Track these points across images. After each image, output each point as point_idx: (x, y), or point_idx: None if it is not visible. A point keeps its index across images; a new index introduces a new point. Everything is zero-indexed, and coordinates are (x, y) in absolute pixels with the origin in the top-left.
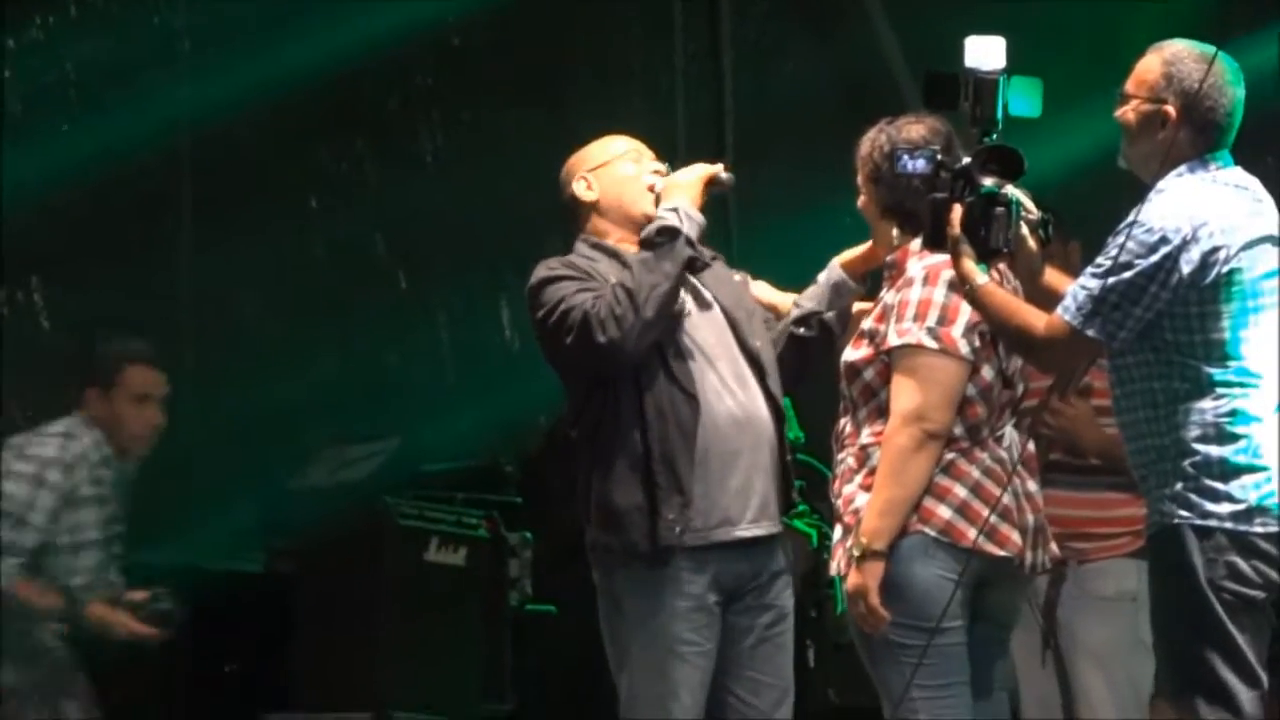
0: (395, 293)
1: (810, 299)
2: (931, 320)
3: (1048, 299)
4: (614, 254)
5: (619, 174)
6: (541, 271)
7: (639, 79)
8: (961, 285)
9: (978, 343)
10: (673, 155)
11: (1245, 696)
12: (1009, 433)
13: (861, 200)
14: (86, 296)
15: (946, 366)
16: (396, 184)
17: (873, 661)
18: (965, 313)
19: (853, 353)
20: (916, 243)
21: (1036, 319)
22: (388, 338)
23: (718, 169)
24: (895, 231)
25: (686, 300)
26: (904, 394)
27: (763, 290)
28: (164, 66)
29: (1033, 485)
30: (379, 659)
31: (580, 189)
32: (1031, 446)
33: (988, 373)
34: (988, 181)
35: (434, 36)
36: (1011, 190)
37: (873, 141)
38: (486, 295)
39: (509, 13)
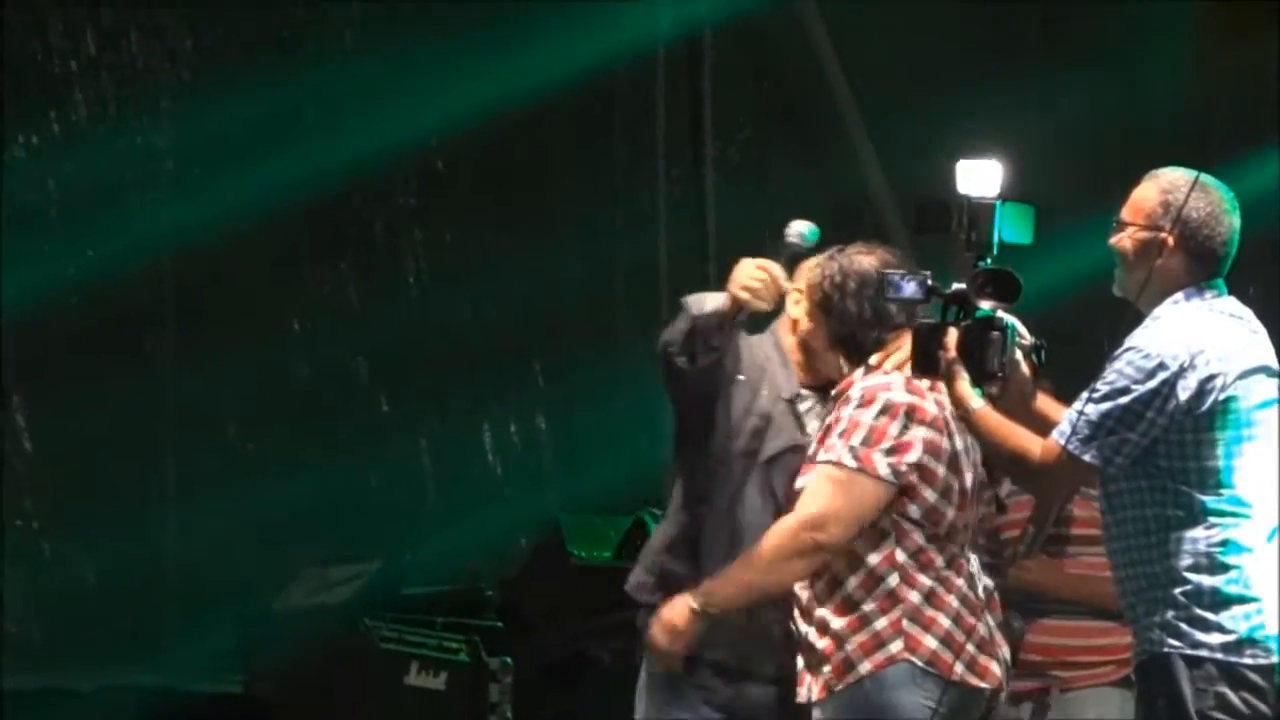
0: (377, 414)
1: None
2: (856, 439)
3: (1039, 425)
4: None
5: None
6: None
7: (622, 201)
8: (956, 409)
9: (904, 468)
10: (655, 279)
11: None
12: (974, 560)
13: (807, 328)
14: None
15: (861, 484)
16: (379, 305)
17: None
18: (893, 436)
19: (801, 479)
20: (859, 371)
21: (1032, 444)
22: (369, 459)
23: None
24: (843, 361)
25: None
26: (812, 500)
27: None
28: (148, 186)
29: (999, 617)
30: None
31: None
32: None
33: (930, 495)
34: (984, 305)
35: (417, 158)
36: (1005, 315)
37: (823, 270)
38: (468, 417)
39: (492, 135)
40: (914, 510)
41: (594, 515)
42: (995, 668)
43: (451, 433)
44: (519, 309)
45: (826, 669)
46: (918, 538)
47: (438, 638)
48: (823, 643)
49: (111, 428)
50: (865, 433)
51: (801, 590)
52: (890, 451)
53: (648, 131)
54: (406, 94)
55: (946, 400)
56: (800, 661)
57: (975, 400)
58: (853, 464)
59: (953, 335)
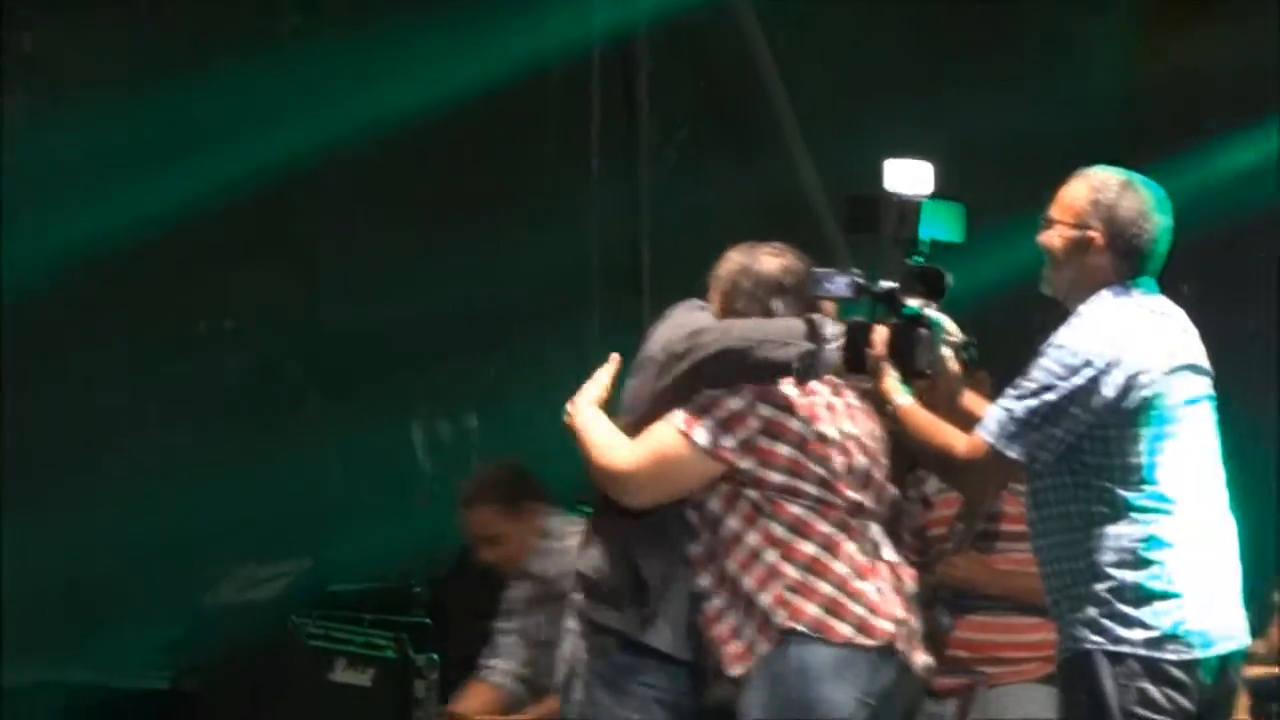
0: (304, 410)
1: None
2: (693, 406)
3: (967, 421)
4: None
5: None
6: None
7: (556, 199)
8: (883, 406)
9: (729, 443)
10: (588, 277)
11: None
12: (875, 530)
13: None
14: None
15: (678, 449)
16: (307, 302)
17: None
18: (729, 409)
19: None
20: None
21: (957, 439)
22: (299, 458)
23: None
24: None
25: None
26: (635, 446)
27: None
28: (80, 185)
29: (909, 588)
30: None
31: None
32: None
33: (774, 476)
34: (912, 303)
35: (351, 155)
36: (933, 312)
37: (729, 265)
38: (398, 415)
39: (425, 132)
40: (775, 482)
41: None
42: (887, 626)
43: (381, 430)
44: (450, 306)
45: (729, 657)
46: (794, 509)
47: (365, 634)
48: (719, 628)
49: (36, 428)
50: (704, 401)
51: (695, 578)
52: (720, 424)
53: (582, 130)
54: (340, 89)
55: (834, 392)
56: (706, 651)
57: (902, 397)
58: (679, 425)
59: (881, 333)
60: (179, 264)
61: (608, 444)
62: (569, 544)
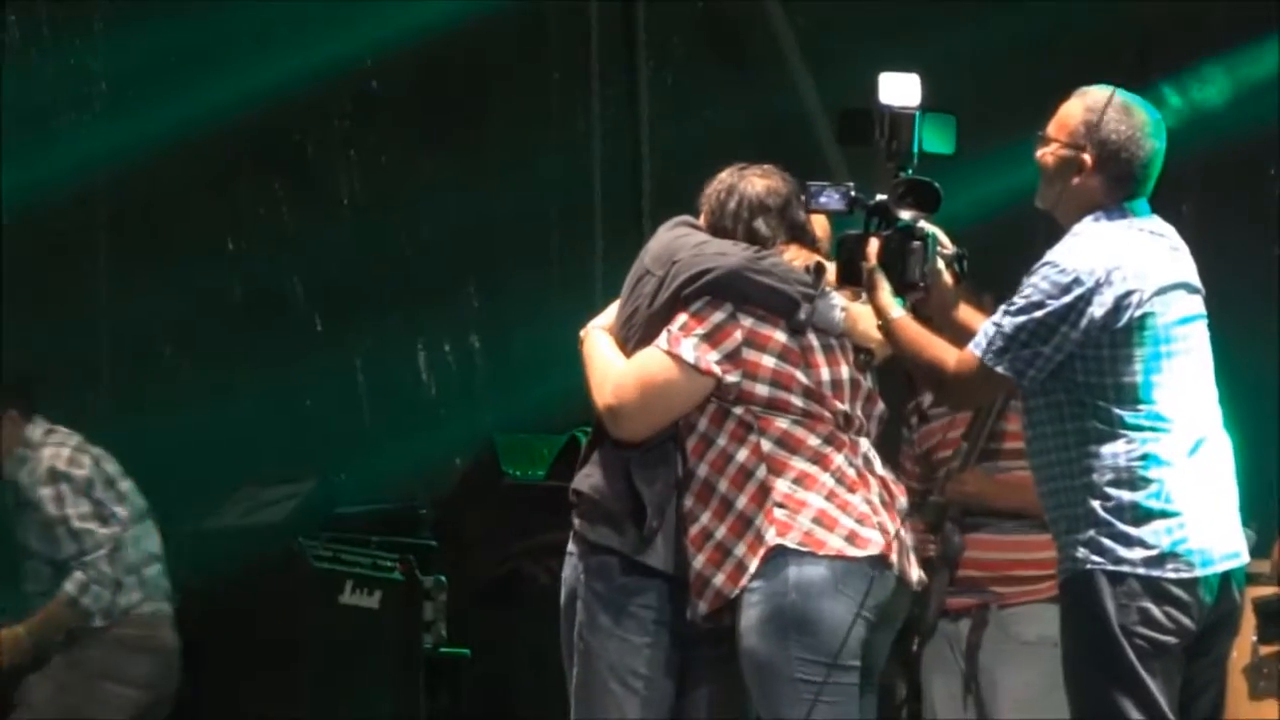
0: (311, 335)
1: None
2: (675, 325)
3: (961, 335)
4: None
5: None
6: None
7: (556, 123)
8: (877, 318)
9: (715, 356)
10: (589, 200)
11: None
12: (865, 445)
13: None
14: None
15: (667, 369)
16: (313, 226)
17: (771, 700)
18: (712, 324)
19: None
20: None
21: (948, 354)
22: (304, 380)
23: None
24: None
25: None
26: (625, 371)
27: None
28: (80, 108)
29: (901, 504)
30: (292, 701)
31: None
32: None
33: (760, 389)
34: (904, 215)
35: (352, 80)
36: (927, 225)
37: (715, 184)
38: (403, 338)
39: (426, 57)
40: (761, 395)
41: (529, 434)
42: (877, 537)
43: (386, 353)
44: (454, 229)
45: (720, 578)
46: (781, 423)
47: (372, 556)
48: (708, 550)
49: (45, 348)
50: (685, 319)
51: (684, 498)
52: (704, 338)
53: (582, 52)
54: (340, 15)
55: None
56: (694, 572)
57: (895, 310)
58: (664, 346)
59: (874, 245)
60: (183, 186)
61: (600, 381)
62: (44, 454)
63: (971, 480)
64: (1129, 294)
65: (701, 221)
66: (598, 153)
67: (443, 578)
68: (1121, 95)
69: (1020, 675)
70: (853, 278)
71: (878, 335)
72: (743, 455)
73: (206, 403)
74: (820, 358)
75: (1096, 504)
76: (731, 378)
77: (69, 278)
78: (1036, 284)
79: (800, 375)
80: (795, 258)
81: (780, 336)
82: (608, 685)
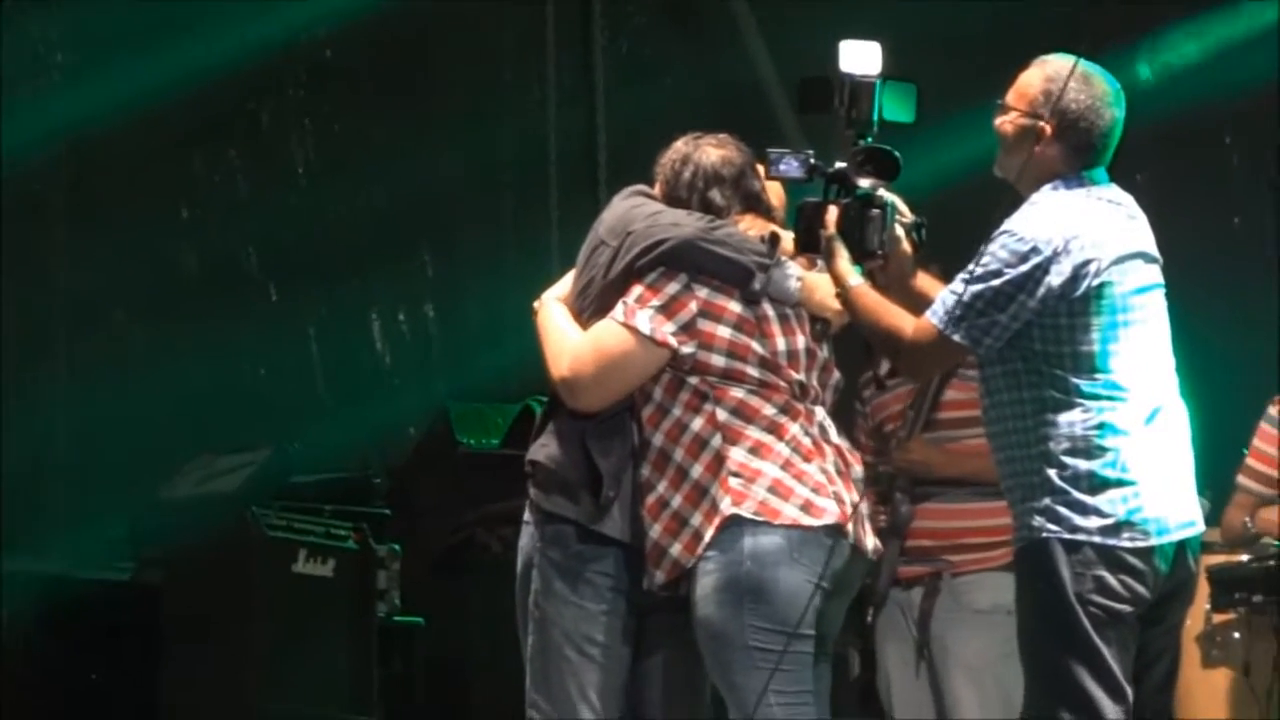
0: (266, 303)
1: None
2: (631, 297)
3: (918, 303)
4: None
5: None
6: None
7: (511, 92)
8: (835, 286)
9: (671, 328)
10: (544, 168)
11: (1110, 711)
12: (820, 414)
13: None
14: None
15: (623, 341)
16: (268, 195)
17: (724, 667)
18: (668, 295)
19: None
20: None
21: (905, 322)
22: (258, 348)
23: None
24: None
25: None
26: (581, 343)
27: None
28: (37, 76)
29: (856, 472)
30: (245, 670)
31: None
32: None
33: (716, 360)
34: (864, 183)
35: (306, 48)
36: (886, 193)
37: (670, 154)
38: (357, 307)
39: (381, 25)
40: (717, 365)
41: (482, 404)
42: (832, 506)
43: (340, 321)
44: (407, 198)
45: (677, 547)
46: (737, 393)
47: (326, 525)
48: (665, 519)
49: None
50: (641, 290)
51: (640, 468)
52: (660, 309)
53: (537, 20)
54: None
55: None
56: (651, 541)
57: (853, 278)
58: (619, 318)
59: (833, 213)
60: (137, 155)
61: (556, 352)
62: None
63: (917, 449)
64: (1087, 263)
65: (656, 191)
66: (553, 121)
67: (396, 546)
68: (1082, 65)
69: (973, 643)
70: (811, 245)
71: (834, 304)
72: (698, 424)
73: (160, 371)
74: (776, 328)
75: (1053, 472)
76: (687, 349)
77: (23, 246)
78: (994, 252)
79: (756, 345)
80: (750, 227)
81: (735, 307)
82: (563, 652)
